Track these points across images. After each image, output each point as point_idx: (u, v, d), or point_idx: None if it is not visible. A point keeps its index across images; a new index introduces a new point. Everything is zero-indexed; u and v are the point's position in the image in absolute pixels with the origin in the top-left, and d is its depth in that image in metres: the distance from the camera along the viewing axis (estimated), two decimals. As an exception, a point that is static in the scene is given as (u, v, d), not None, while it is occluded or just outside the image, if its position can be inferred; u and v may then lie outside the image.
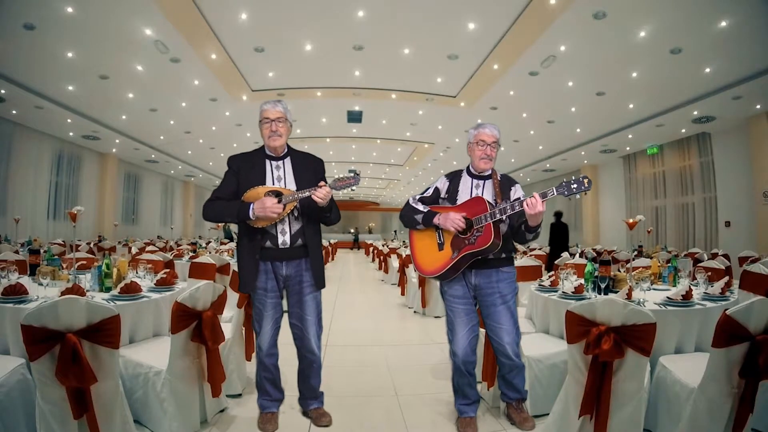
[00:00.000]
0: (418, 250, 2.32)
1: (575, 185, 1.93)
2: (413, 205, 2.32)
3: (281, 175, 2.24)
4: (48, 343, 1.55)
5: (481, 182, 2.30)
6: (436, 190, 2.36)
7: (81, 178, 12.77)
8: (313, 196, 2.04)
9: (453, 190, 2.31)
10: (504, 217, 2.06)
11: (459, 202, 2.26)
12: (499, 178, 2.29)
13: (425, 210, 2.25)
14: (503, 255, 2.23)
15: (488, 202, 2.13)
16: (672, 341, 2.26)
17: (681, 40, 6.21)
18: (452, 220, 2.13)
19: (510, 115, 10.11)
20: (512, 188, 2.30)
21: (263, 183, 2.19)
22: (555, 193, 1.97)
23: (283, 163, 2.27)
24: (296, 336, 2.30)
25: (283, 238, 2.17)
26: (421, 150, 14.90)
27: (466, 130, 11.66)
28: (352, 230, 28.42)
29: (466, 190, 2.29)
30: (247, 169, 2.23)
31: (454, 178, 2.35)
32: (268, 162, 2.25)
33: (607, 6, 5.56)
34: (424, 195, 2.37)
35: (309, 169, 2.30)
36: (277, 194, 2.10)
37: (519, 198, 2.18)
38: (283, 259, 2.20)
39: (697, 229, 10.98)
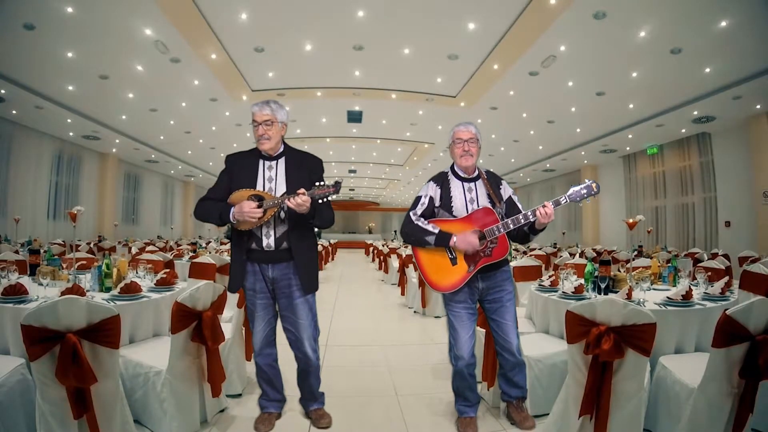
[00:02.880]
0: (428, 267, 2.20)
1: (585, 191, 2.06)
2: (419, 223, 2.20)
3: (272, 176, 2.21)
4: (48, 343, 1.55)
5: (472, 185, 2.28)
6: (431, 199, 2.26)
7: (81, 178, 12.77)
8: (287, 202, 2.00)
9: (446, 197, 2.25)
10: (515, 226, 2.09)
11: (454, 208, 2.22)
12: (486, 178, 2.30)
13: (436, 230, 2.14)
14: (506, 258, 2.24)
15: (497, 212, 2.16)
16: (672, 341, 2.26)
17: (681, 40, 6.21)
18: (471, 243, 2.08)
19: (510, 115, 10.11)
20: (501, 186, 2.32)
21: (254, 183, 2.17)
22: (568, 200, 2.07)
23: (276, 163, 2.23)
24: (291, 341, 2.27)
25: (267, 241, 2.14)
26: (421, 150, 14.90)
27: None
28: None
29: (459, 195, 2.25)
30: (239, 168, 2.22)
31: (443, 183, 2.29)
32: (261, 162, 2.23)
33: (607, 6, 5.56)
34: (423, 208, 2.25)
35: (303, 169, 2.23)
36: (259, 198, 2.08)
37: (510, 197, 2.30)
38: (269, 262, 2.17)
39: (697, 229, 10.98)
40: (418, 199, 2.30)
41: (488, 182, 2.28)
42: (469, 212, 2.20)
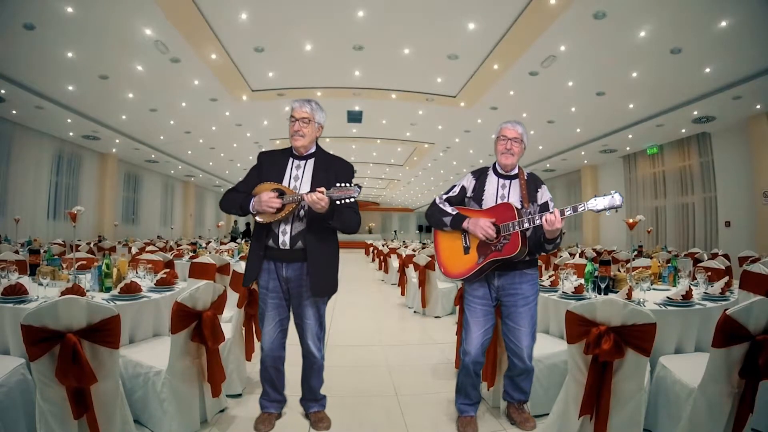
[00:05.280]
0: (443, 251, 2.29)
1: (606, 200, 1.91)
2: (440, 205, 2.28)
3: (299, 175, 2.21)
4: (48, 343, 1.55)
5: (507, 182, 2.27)
6: (463, 189, 2.32)
7: (81, 178, 12.77)
8: (305, 198, 1.99)
9: (479, 189, 2.28)
10: (531, 225, 2.04)
11: (485, 202, 2.23)
12: (525, 178, 2.26)
13: (454, 212, 2.21)
14: (527, 257, 2.17)
15: (516, 209, 2.09)
16: (672, 341, 2.26)
17: (681, 40, 6.21)
18: (482, 228, 2.08)
19: (510, 115, 10.10)
20: (539, 190, 2.26)
21: (281, 180, 2.18)
22: (572, 212, 1.94)
23: (305, 163, 2.24)
24: (299, 335, 2.30)
25: (283, 239, 2.15)
26: (421, 150, 14.90)
27: (466, 130, 11.72)
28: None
29: (492, 189, 2.26)
30: (269, 165, 2.25)
31: (480, 176, 2.32)
32: (290, 160, 2.25)
33: (607, 6, 5.56)
34: (450, 195, 2.33)
35: (331, 172, 2.21)
36: (281, 192, 2.09)
37: (547, 201, 2.20)
38: (284, 261, 2.17)
39: (697, 229, 10.98)
40: (452, 187, 2.38)
41: (526, 183, 2.25)
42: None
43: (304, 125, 2.18)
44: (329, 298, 2.26)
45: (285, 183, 2.18)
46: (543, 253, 2.28)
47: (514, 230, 2.05)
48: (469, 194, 2.31)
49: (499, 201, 2.21)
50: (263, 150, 2.35)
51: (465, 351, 2.24)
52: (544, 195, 2.24)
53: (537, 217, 2.01)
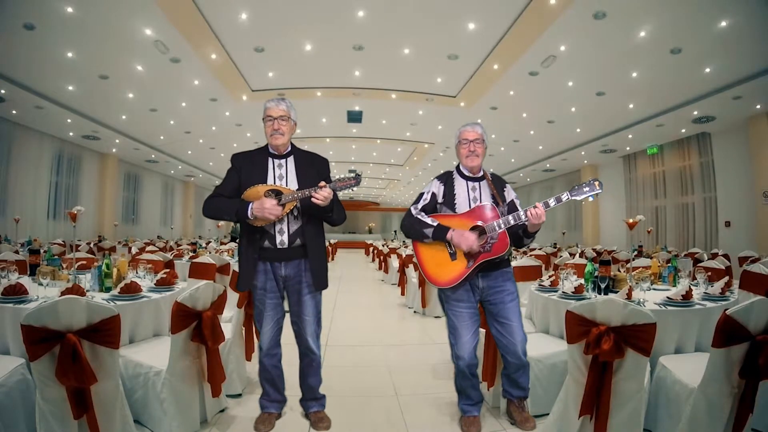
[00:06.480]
0: (427, 261, 2.23)
1: (587, 188, 2.04)
2: (418, 217, 2.23)
3: (283, 174, 2.22)
4: (48, 343, 1.55)
5: (476, 184, 2.29)
6: (433, 195, 2.29)
7: (81, 178, 12.77)
8: (313, 197, 2.01)
9: (449, 194, 2.27)
10: (517, 222, 2.08)
11: (457, 206, 2.24)
12: (491, 179, 2.30)
13: (434, 224, 2.17)
14: (506, 255, 2.23)
15: (498, 209, 2.15)
16: (672, 341, 2.26)
17: (681, 40, 6.22)
18: (467, 240, 2.07)
19: (510, 115, 10.11)
20: (505, 189, 2.33)
21: (265, 181, 2.17)
22: (556, 203, 2.05)
23: (286, 161, 2.25)
24: (296, 333, 2.30)
25: (281, 238, 2.15)
26: (421, 150, 14.90)
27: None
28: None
29: (462, 193, 2.26)
30: (249, 166, 2.22)
31: (447, 180, 2.31)
32: (270, 160, 2.24)
33: (607, 6, 5.56)
34: (423, 203, 2.29)
35: (312, 168, 2.26)
36: (277, 193, 2.08)
37: (513, 200, 2.30)
38: (282, 260, 2.17)
39: (697, 229, 10.98)
40: (421, 195, 2.34)
41: (492, 183, 2.29)
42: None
43: (283, 123, 2.19)
44: None
45: (270, 183, 2.18)
46: (520, 247, 2.35)
47: (501, 229, 2.09)
48: (440, 200, 2.28)
49: (472, 204, 2.23)
50: (235, 153, 2.30)
51: (458, 356, 2.24)
52: (510, 194, 2.32)
53: (521, 213, 2.07)
